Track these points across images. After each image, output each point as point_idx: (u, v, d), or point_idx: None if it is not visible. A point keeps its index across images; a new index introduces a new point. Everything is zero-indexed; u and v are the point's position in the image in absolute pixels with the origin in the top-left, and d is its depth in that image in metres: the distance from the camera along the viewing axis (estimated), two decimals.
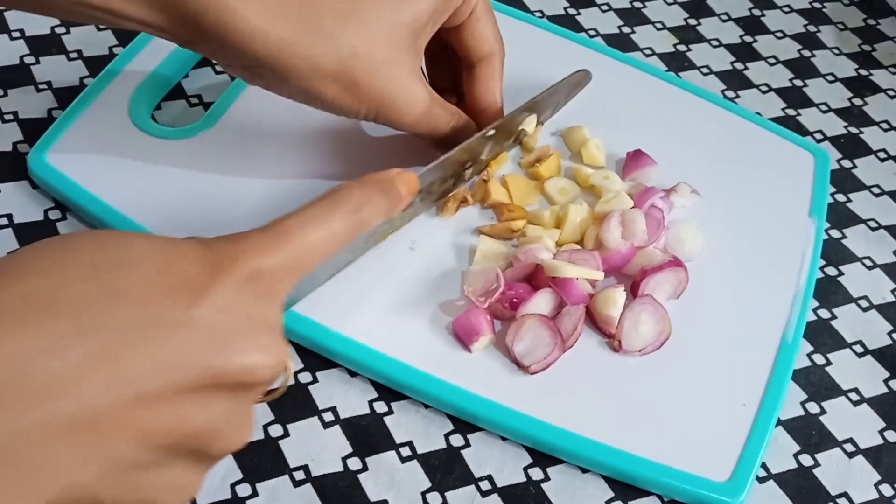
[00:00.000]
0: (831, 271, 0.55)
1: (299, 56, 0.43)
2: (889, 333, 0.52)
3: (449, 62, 0.52)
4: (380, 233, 0.48)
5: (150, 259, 0.32)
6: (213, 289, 0.32)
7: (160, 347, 0.30)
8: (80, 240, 0.32)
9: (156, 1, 0.41)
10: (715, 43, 0.66)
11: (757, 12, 0.69)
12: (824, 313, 0.53)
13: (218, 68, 0.58)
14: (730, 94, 0.63)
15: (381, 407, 0.46)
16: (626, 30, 0.66)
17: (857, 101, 0.64)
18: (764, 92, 0.63)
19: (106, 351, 0.29)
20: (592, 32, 0.65)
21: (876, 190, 0.59)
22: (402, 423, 0.45)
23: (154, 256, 0.32)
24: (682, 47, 0.65)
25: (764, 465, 0.46)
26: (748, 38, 0.67)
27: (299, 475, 0.43)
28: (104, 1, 0.41)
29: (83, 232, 0.35)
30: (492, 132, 0.49)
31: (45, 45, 0.57)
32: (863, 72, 0.66)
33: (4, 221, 0.49)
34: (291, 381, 0.38)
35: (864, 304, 0.53)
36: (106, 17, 0.42)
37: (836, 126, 0.62)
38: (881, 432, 0.48)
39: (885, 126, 0.63)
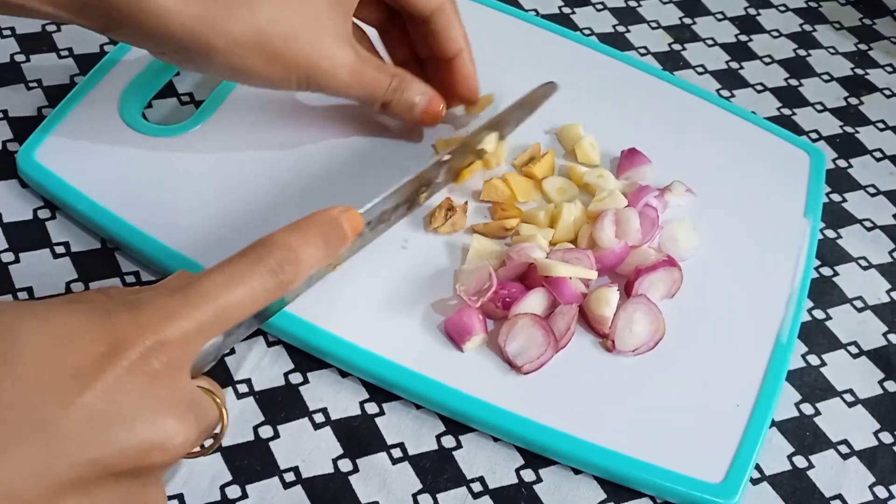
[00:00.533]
0: (826, 271, 0.54)
1: (216, 32, 0.42)
2: (884, 334, 0.52)
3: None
4: (322, 269, 0.44)
5: (36, 350, 0.31)
6: (103, 374, 0.31)
7: (35, 449, 0.29)
8: None
9: None
10: (710, 42, 0.66)
11: (752, 11, 0.68)
12: (819, 314, 0.52)
13: None
14: (725, 93, 0.63)
15: (372, 408, 0.45)
16: (620, 28, 0.65)
17: (853, 101, 0.63)
18: (759, 91, 0.63)
19: None
20: (587, 31, 0.65)
21: (871, 190, 0.59)
22: (394, 424, 0.45)
23: (41, 345, 0.31)
24: (677, 46, 0.65)
25: (758, 467, 0.46)
26: (743, 38, 0.66)
27: (289, 477, 0.43)
28: None
29: None
30: (447, 157, 0.48)
31: (35, 43, 0.57)
32: (859, 71, 0.65)
33: None
34: (224, 436, 0.37)
35: (858, 304, 0.53)
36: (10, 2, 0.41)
37: (832, 125, 0.62)
38: (876, 434, 0.48)
39: (880, 125, 0.62)
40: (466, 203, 0.51)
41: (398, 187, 0.46)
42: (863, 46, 0.67)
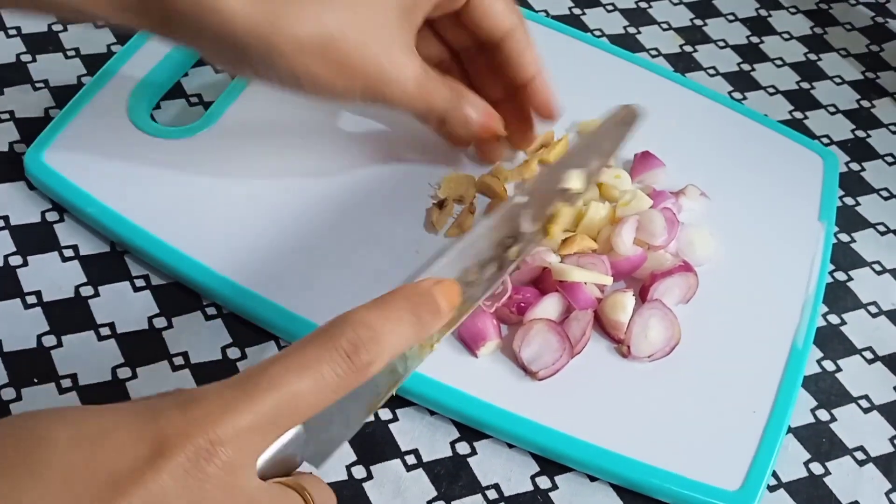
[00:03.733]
0: (840, 276, 0.54)
1: (283, 35, 0.40)
2: None
3: (496, 74, 0.49)
4: (417, 350, 0.38)
5: (71, 453, 0.28)
6: (143, 480, 0.27)
7: None
8: None
9: None
10: (721, 44, 0.65)
11: (763, 13, 0.68)
12: (834, 319, 0.52)
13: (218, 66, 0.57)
14: (737, 95, 0.62)
15: (385, 414, 0.45)
16: (631, 30, 0.65)
17: (865, 104, 0.63)
18: (771, 94, 0.63)
19: None
20: (598, 33, 0.64)
21: (884, 193, 0.58)
22: (408, 430, 0.44)
23: (78, 448, 0.28)
24: (688, 48, 0.64)
25: (774, 474, 0.45)
26: (755, 39, 0.66)
27: None
28: None
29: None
30: (525, 199, 0.44)
31: (41, 43, 0.56)
32: (870, 74, 0.65)
33: (1, 223, 0.48)
34: None
35: (873, 309, 0.53)
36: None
37: (844, 129, 0.61)
38: (891, 440, 0.48)
39: (893, 128, 0.62)
40: (473, 203, 0.51)
41: (474, 239, 0.41)
42: (874, 48, 0.67)
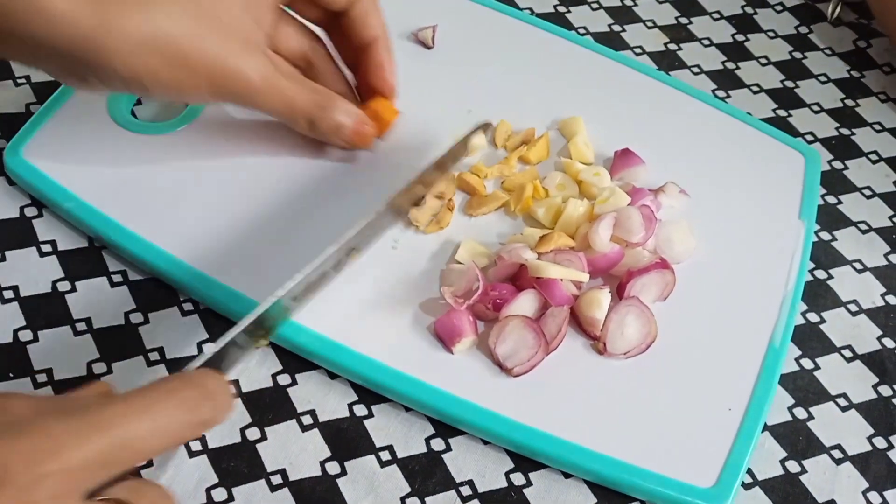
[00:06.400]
0: (821, 274, 0.54)
1: (112, 34, 0.40)
2: (878, 338, 0.52)
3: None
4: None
5: None
6: None
7: None
8: None
9: None
10: (706, 42, 0.65)
11: (749, 10, 0.68)
12: (813, 317, 0.52)
13: None
14: (721, 93, 0.62)
15: (360, 410, 0.45)
16: (616, 28, 0.65)
17: (850, 102, 0.63)
18: (755, 92, 0.62)
19: None
20: (582, 30, 0.64)
21: (867, 192, 0.58)
22: (382, 426, 0.44)
23: None
24: (672, 46, 0.64)
25: (750, 472, 0.45)
26: (740, 37, 0.66)
27: (276, 479, 0.42)
28: None
29: None
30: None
31: None
32: (855, 73, 0.65)
33: None
34: None
35: (853, 308, 0.53)
36: None
37: (828, 127, 0.61)
38: (869, 439, 0.48)
39: (877, 127, 0.62)
40: (452, 200, 0.51)
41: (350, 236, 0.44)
42: (862, 43, 0.67)
